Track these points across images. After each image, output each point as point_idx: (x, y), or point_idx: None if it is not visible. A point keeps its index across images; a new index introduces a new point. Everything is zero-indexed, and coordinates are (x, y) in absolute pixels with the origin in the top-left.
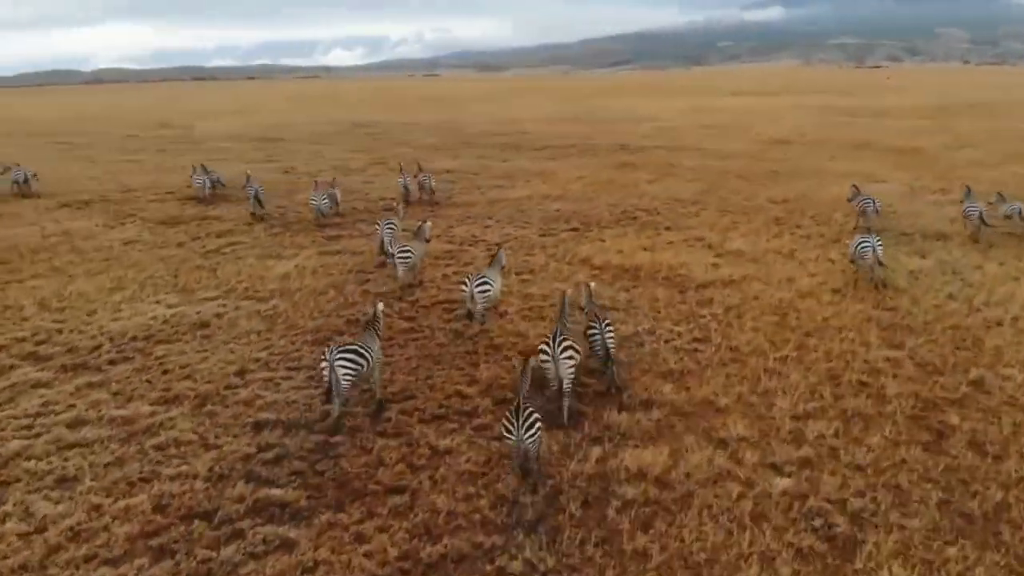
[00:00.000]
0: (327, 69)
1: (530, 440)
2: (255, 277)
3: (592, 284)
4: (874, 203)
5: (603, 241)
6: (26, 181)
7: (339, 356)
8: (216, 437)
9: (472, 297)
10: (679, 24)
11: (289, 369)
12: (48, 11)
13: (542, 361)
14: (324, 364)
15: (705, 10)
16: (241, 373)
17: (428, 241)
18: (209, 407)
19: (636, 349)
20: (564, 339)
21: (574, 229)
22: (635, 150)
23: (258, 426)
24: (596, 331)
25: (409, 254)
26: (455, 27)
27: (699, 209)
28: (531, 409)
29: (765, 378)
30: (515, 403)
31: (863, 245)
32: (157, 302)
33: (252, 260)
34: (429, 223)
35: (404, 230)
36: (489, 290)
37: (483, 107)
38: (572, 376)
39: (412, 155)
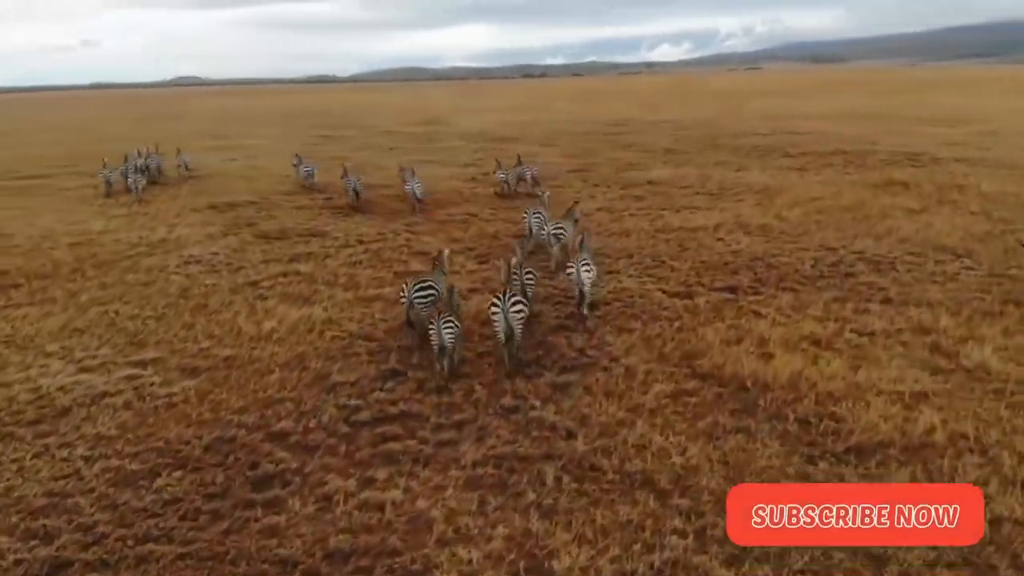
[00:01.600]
0: (649, 65)
1: (446, 334)
2: (233, 333)
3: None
4: None
5: (758, 315)
6: (158, 168)
7: (416, 291)
8: None
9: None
10: None
11: (19, 536)
12: (424, 11)
13: (492, 314)
14: (403, 299)
15: None
16: None
17: (577, 222)
18: None
19: None
20: (513, 295)
21: (730, 288)
22: (922, 162)
23: None
24: (516, 279)
25: (563, 230)
26: (788, 18)
27: (960, 269)
28: (451, 317)
29: None
30: (441, 314)
31: None
32: (78, 361)
33: (271, 303)
34: (580, 204)
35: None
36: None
37: (766, 103)
38: (520, 326)
39: (628, 159)
